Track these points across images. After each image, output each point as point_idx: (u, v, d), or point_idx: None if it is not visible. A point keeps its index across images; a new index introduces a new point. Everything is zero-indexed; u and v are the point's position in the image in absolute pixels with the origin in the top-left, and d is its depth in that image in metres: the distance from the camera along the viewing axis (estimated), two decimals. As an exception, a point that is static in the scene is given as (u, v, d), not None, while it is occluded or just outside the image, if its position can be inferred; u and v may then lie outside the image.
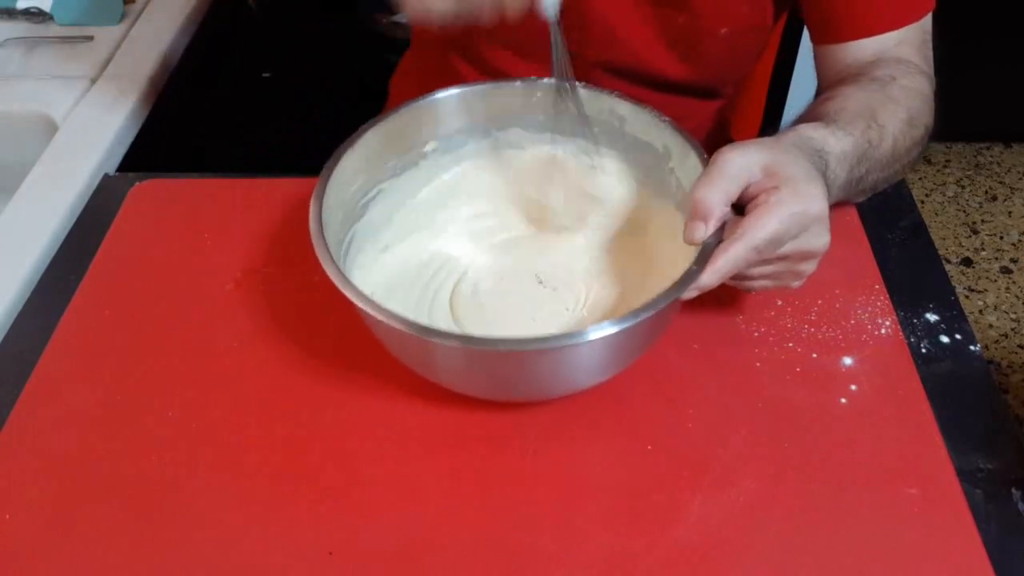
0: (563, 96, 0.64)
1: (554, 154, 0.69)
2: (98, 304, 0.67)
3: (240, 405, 0.60)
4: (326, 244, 0.53)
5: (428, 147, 0.67)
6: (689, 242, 0.53)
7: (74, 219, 0.76)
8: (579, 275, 0.67)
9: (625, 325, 0.48)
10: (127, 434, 0.58)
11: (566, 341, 0.49)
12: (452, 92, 0.65)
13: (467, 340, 0.52)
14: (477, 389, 0.58)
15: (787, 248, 0.53)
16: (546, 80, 0.65)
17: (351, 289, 0.51)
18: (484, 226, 0.70)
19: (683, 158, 0.61)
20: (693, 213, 0.52)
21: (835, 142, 0.58)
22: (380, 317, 0.49)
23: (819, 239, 0.54)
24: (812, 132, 0.58)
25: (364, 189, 0.64)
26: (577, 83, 0.65)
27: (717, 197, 0.52)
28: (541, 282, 0.67)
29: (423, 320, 0.50)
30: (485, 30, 0.77)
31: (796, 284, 0.58)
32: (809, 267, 0.56)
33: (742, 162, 0.53)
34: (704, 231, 0.52)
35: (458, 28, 0.55)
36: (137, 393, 0.61)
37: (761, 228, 0.51)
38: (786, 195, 0.51)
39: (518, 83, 0.66)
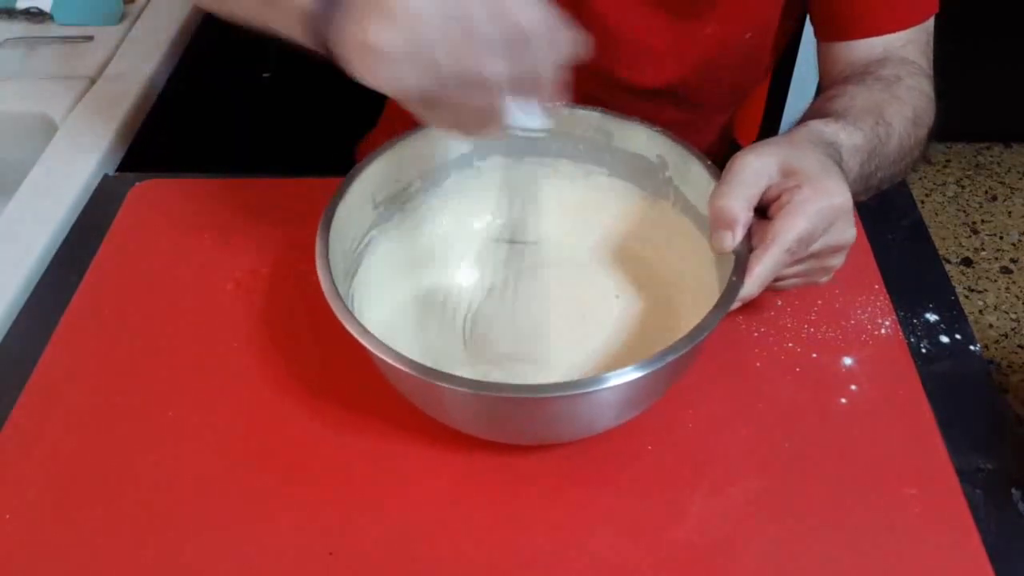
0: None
1: (538, 171, 0.67)
2: (98, 304, 0.67)
3: (240, 405, 0.60)
4: (340, 297, 0.51)
5: (413, 187, 0.65)
6: (718, 252, 0.52)
7: (74, 219, 0.75)
8: (597, 296, 0.64)
9: (669, 359, 0.46)
10: (127, 434, 0.58)
11: (603, 383, 0.46)
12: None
13: (479, 386, 0.47)
14: (496, 435, 0.56)
15: (817, 245, 0.52)
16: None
17: (374, 342, 0.49)
18: (487, 252, 0.67)
19: (682, 167, 0.60)
20: (717, 223, 0.52)
21: (846, 136, 0.58)
22: (403, 367, 0.47)
23: (846, 232, 0.53)
24: (823, 126, 0.58)
25: (358, 237, 0.62)
26: (559, 103, 0.64)
27: (739, 203, 0.51)
28: (559, 305, 0.64)
29: (445, 354, 0.48)
30: None
31: (824, 280, 0.58)
32: (838, 261, 0.56)
33: (758, 164, 0.52)
34: (732, 239, 0.51)
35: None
36: (137, 393, 0.61)
37: (791, 229, 0.50)
38: (809, 192, 0.51)
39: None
